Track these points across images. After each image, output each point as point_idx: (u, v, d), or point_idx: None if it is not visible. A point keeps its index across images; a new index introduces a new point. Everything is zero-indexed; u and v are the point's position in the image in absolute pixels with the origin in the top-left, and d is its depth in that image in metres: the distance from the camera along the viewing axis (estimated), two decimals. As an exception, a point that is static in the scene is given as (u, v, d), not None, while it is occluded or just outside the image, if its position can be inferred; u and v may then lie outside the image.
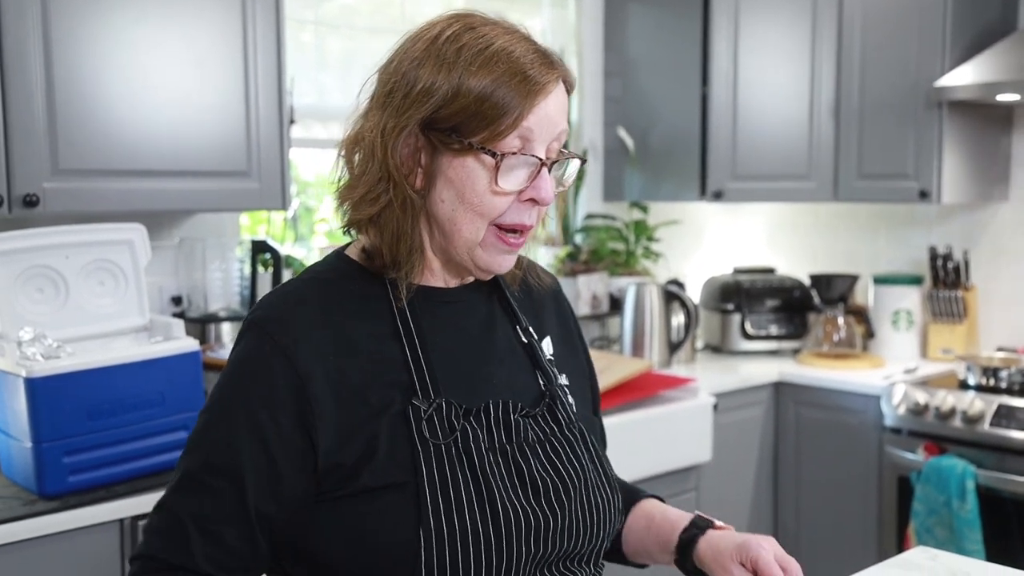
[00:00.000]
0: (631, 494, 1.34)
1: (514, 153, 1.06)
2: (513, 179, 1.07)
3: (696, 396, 2.91)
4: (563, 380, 1.22)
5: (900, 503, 2.94)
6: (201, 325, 2.49)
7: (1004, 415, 2.72)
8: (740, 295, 3.57)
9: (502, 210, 1.08)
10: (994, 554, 2.60)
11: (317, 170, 3.49)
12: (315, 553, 1.06)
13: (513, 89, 1.04)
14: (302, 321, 1.07)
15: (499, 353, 1.17)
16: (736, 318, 3.56)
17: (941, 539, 2.73)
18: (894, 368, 3.23)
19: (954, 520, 2.72)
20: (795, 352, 3.57)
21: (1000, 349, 3.17)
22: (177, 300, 2.57)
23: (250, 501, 1.03)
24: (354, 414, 1.05)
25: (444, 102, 1.04)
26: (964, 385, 2.93)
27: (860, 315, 3.49)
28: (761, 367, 3.34)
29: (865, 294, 3.58)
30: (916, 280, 3.39)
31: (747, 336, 3.56)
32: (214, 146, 2.30)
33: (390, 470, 1.04)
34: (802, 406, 3.23)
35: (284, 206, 2.44)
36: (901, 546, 2.83)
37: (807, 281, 3.60)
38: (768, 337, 3.56)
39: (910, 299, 3.37)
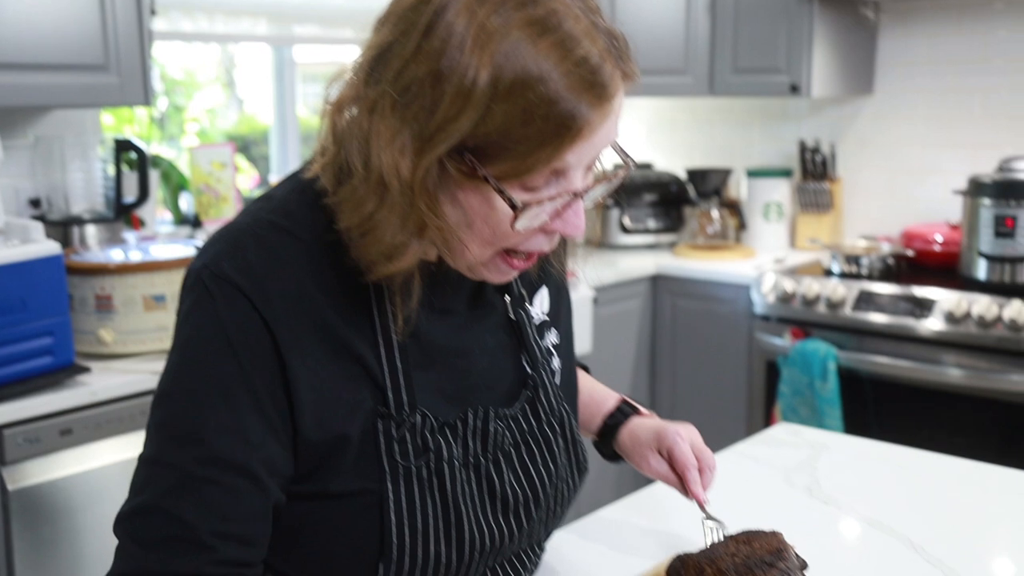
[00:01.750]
0: None
1: (540, 201, 0.84)
2: (537, 217, 0.86)
3: (576, 290, 2.94)
4: (552, 339, 1.08)
5: (768, 385, 3.07)
6: (63, 228, 2.37)
7: (864, 300, 2.84)
8: (619, 190, 3.57)
9: (517, 243, 0.88)
10: (851, 429, 2.75)
11: (185, 66, 3.33)
12: (271, 553, 0.93)
13: (564, 110, 0.80)
14: (279, 286, 0.88)
15: (484, 335, 1.01)
16: (615, 213, 3.59)
17: (804, 417, 2.87)
18: (764, 258, 3.34)
19: (816, 399, 2.86)
20: (672, 245, 3.64)
21: (863, 238, 3.30)
22: (36, 202, 2.43)
23: (265, 494, 0.88)
24: (326, 402, 0.90)
25: (473, 125, 0.80)
26: (829, 273, 3.05)
27: (733, 208, 3.57)
28: (639, 261, 3.40)
29: (738, 187, 3.66)
30: (786, 173, 3.48)
31: (626, 231, 3.60)
32: (67, 36, 2.16)
33: (354, 480, 0.91)
34: (678, 297, 3.31)
35: (147, 102, 2.32)
36: (768, 425, 2.97)
37: (684, 175, 3.65)
38: (646, 231, 3.62)
39: (780, 191, 3.46)
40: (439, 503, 0.94)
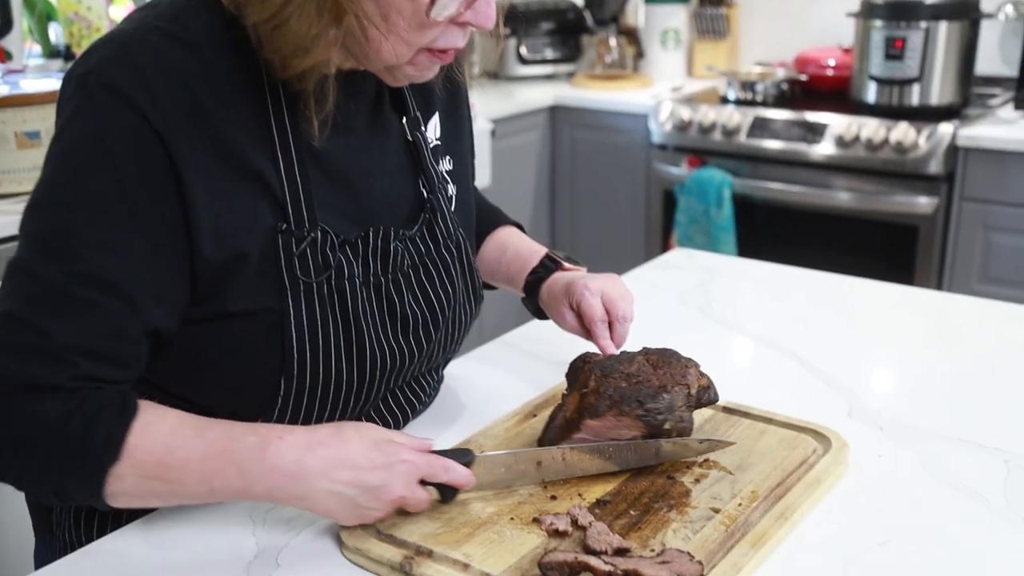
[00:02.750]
0: (490, 221, 1.27)
1: None
2: (450, 5, 0.85)
3: (474, 122, 2.88)
4: (446, 166, 1.08)
5: (665, 214, 3.11)
6: (-81, 63, 2.18)
7: (758, 126, 2.86)
8: (515, 19, 3.49)
9: (433, 39, 0.88)
10: (745, 253, 2.82)
11: None
12: (170, 377, 0.93)
13: None
14: (172, 95, 0.84)
15: (383, 157, 1.00)
16: (512, 43, 3.49)
17: (700, 244, 2.92)
18: (662, 87, 3.31)
19: (711, 226, 2.90)
20: (570, 76, 3.57)
21: (758, 64, 3.29)
22: None
23: (139, 316, 0.85)
24: (224, 218, 0.87)
25: None
26: (725, 100, 3.04)
27: (631, 36, 3.51)
28: (537, 92, 3.34)
29: (636, 14, 3.58)
30: (684, -2, 3.41)
31: (523, 61, 3.52)
32: None
33: (253, 299, 0.90)
34: (576, 128, 3.28)
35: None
36: (665, 249, 3.01)
37: (580, 2, 3.55)
38: (543, 61, 3.54)
39: (678, 18, 3.40)
40: (340, 321, 0.93)
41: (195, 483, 0.83)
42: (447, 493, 0.90)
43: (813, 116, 2.79)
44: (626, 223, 3.24)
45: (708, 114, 2.94)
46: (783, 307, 1.47)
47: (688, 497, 0.92)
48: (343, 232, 0.94)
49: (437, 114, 1.08)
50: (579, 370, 1.00)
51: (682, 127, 2.98)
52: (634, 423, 0.94)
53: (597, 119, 3.21)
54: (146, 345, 0.87)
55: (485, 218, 1.26)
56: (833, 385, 1.20)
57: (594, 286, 1.11)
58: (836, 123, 2.74)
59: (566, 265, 1.20)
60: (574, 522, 0.87)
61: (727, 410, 1.09)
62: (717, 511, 0.90)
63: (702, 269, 1.63)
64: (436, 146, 1.07)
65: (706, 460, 0.99)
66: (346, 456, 0.84)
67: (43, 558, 1.07)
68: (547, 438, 0.99)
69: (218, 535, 0.91)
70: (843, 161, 2.72)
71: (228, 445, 0.83)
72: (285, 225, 0.90)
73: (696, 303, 1.47)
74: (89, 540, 0.98)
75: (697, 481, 0.95)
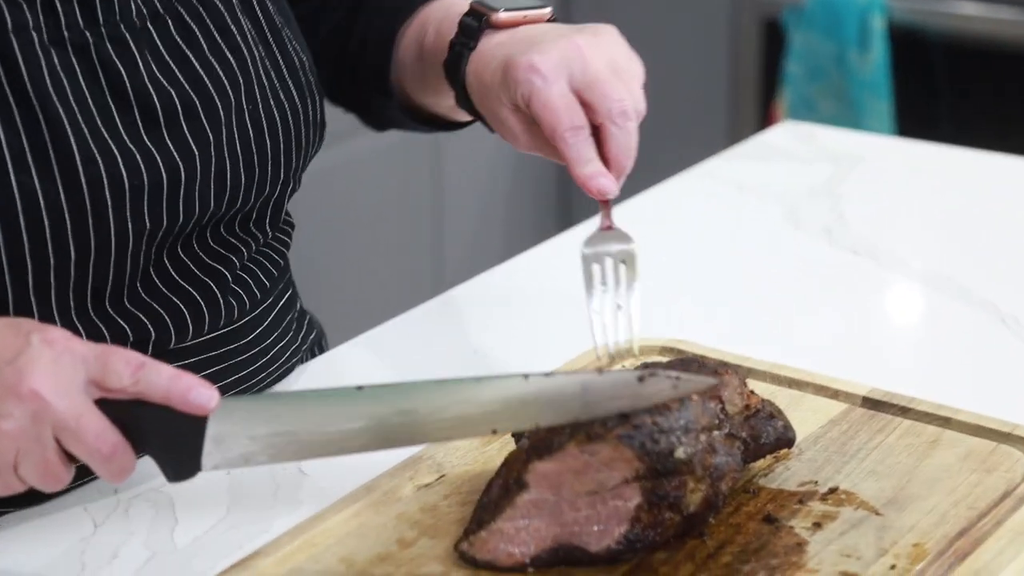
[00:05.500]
0: (394, 17, 1.27)
1: None
2: None
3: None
4: None
5: (766, 61, 3.12)
6: None
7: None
8: None
9: None
10: (908, 128, 2.82)
11: None
12: None
13: None
14: None
15: None
16: None
17: (827, 114, 2.92)
18: None
19: (849, 82, 2.90)
20: None
21: None
22: None
23: None
24: None
25: None
26: None
27: None
28: None
29: None
30: None
31: None
32: None
33: None
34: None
35: None
36: (766, 126, 3.01)
37: None
38: None
39: None
40: (12, 103, 0.99)
41: None
42: (169, 467, 0.86)
43: None
44: (698, 80, 3.26)
45: None
46: (967, 226, 1.47)
47: (802, 554, 0.93)
48: None
49: None
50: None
51: (797, -94, 2.97)
52: (616, 452, 0.89)
53: None
54: None
55: (399, 3, 1.26)
56: (1055, 358, 1.21)
57: (550, 59, 1.03)
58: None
59: (498, 16, 1.13)
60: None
61: (869, 402, 1.10)
62: (852, 577, 0.91)
63: (830, 158, 1.63)
64: None
65: (833, 490, 0.99)
66: None
67: None
68: (477, 517, 0.92)
69: None
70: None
71: None
72: None
73: (818, 217, 1.48)
74: None
75: (817, 526, 0.96)
